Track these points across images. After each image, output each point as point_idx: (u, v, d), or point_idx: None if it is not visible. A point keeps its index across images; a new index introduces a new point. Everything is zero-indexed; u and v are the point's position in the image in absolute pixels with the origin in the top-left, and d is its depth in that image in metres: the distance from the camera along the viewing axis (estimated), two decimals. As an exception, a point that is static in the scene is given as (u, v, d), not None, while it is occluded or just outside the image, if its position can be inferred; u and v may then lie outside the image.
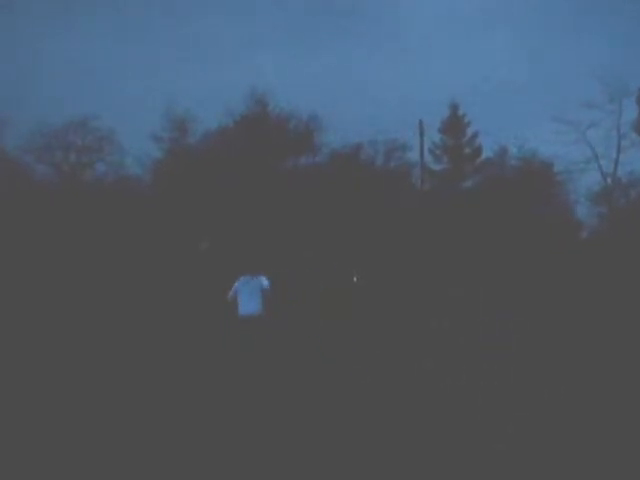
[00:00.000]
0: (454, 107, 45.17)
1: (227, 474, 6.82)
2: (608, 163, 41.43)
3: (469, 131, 45.34)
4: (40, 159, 40.74)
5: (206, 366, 12.33)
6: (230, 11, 73.35)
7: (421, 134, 38.08)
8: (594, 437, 7.71)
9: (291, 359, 13.91)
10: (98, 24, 67.44)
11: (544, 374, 11.67)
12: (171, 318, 23.56)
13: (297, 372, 12.14)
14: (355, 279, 37.44)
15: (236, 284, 12.05)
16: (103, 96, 54.56)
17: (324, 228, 36.98)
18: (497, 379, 11.22)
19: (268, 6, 71.85)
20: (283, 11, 73.65)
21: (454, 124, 45.19)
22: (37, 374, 12.48)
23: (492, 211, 39.20)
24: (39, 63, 61.70)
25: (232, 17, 73.38)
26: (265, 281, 12.02)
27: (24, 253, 33.53)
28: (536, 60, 67.18)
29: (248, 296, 11.71)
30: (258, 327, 11.64)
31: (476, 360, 13.21)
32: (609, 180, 42.02)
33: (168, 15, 71.73)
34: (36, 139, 39.94)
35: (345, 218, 37.16)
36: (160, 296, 29.28)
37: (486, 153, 45.52)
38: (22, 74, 59.72)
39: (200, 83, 58.05)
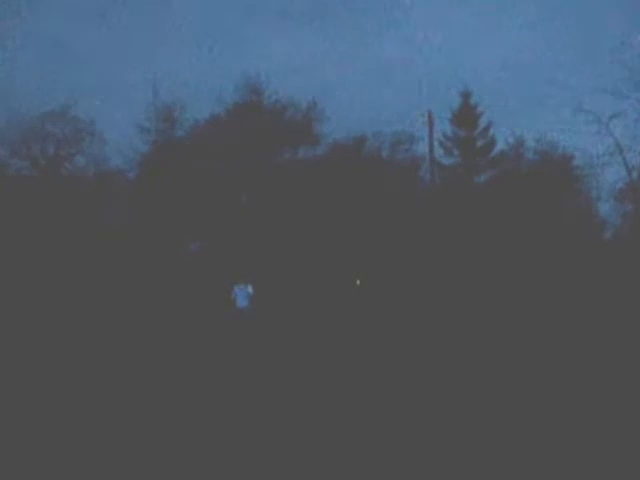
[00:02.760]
0: (466, 96, 45.27)
1: (224, 469, 7.33)
2: (634, 156, 41.70)
3: (482, 122, 45.39)
4: (14, 152, 40.98)
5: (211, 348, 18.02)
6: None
7: (430, 125, 38.28)
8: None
9: (290, 357, 14.72)
10: (77, 3, 67.78)
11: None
12: (160, 315, 24.55)
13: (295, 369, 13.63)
14: (358, 282, 37.80)
15: (235, 289, 21.29)
16: (83, 83, 54.90)
17: (324, 226, 37.33)
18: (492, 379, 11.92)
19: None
20: (279, -10, 74.03)
21: (466, 114, 45.32)
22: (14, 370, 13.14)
23: (507, 208, 39.43)
24: (11, 47, 62.06)
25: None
26: (251, 289, 21.39)
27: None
28: (554, 45, 67.61)
29: (241, 298, 21.18)
30: (249, 316, 20.91)
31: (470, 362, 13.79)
32: (635, 175, 42.30)
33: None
34: (10, 131, 40.14)
35: (347, 215, 37.52)
36: (147, 297, 29.83)
37: (500, 145, 45.66)
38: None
39: (189, 68, 58.43)
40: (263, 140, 40.49)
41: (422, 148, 41.22)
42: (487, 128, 45.48)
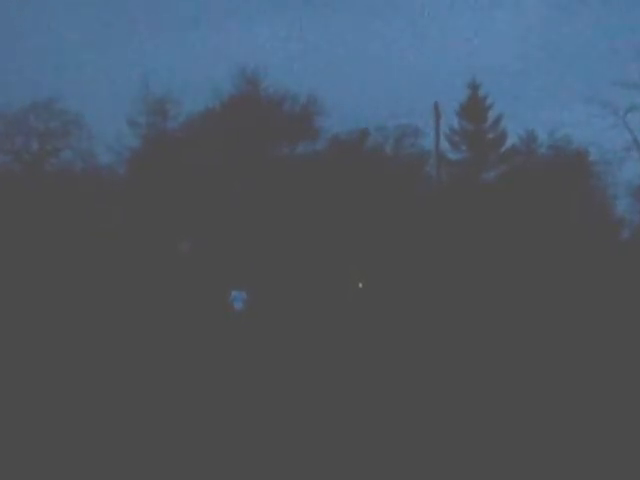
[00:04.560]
0: (474, 87, 45.27)
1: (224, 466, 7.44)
2: (652, 151, 41.56)
3: (491, 115, 45.44)
4: (-3, 147, 41.16)
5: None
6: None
7: (437, 118, 38.21)
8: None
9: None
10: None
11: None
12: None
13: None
14: (360, 285, 37.78)
15: (232, 294, 24.77)
16: (69, 74, 54.96)
17: (324, 225, 37.31)
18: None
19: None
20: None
21: (474, 106, 45.31)
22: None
23: (518, 207, 39.35)
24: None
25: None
26: (245, 295, 25.02)
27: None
28: (567, 33, 67.52)
29: (237, 301, 24.72)
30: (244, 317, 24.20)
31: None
32: (653, 171, 42.15)
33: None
34: (-8, 124, 40.33)
35: (348, 214, 37.47)
36: (139, 298, 29.89)
37: (511, 140, 45.73)
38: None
39: (182, 59, 58.38)
40: (260, 134, 40.44)
41: (428, 142, 41.32)
42: (497, 121, 45.49)
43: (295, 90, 42.30)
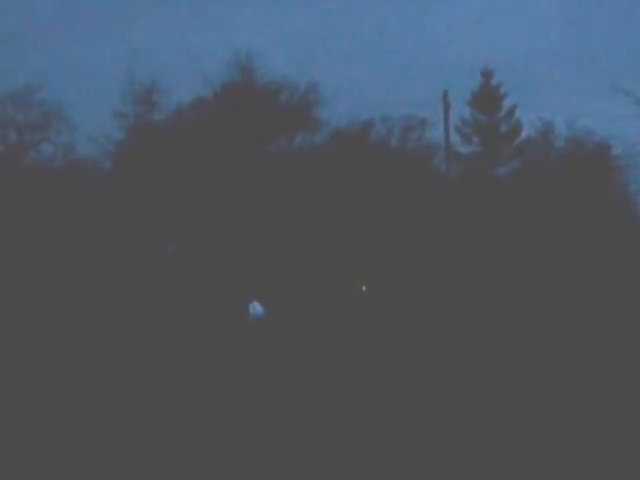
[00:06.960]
0: (487, 75, 45.44)
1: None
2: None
3: (505, 104, 45.62)
4: (-28, 139, 40.97)
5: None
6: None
7: (446, 108, 38.37)
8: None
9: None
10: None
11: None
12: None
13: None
14: (364, 287, 37.70)
15: (253, 303, 25.70)
16: (49, 62, 54.49)
17: (325, 222, 37.20)
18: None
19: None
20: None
21: (487, 96, 45.49)
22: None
23: (533, 203, 39.31)
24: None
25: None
26: (261, 306, 26.19)
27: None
28: (587, 16, 67.35)
29: (256, 309, 25.64)
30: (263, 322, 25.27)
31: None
32: (680, 165, 42.13)
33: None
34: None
35: (351, 211, 37.32)
36: (125, 304, 29.78)
37: (526, 132, 45.72)
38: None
39: (170, 44, 58.09)
40: (255, 125, 40.28)
41: (436, 135, 41.20)
42: (511, 112, 45.70)
43: (293, 78, 41.96)
